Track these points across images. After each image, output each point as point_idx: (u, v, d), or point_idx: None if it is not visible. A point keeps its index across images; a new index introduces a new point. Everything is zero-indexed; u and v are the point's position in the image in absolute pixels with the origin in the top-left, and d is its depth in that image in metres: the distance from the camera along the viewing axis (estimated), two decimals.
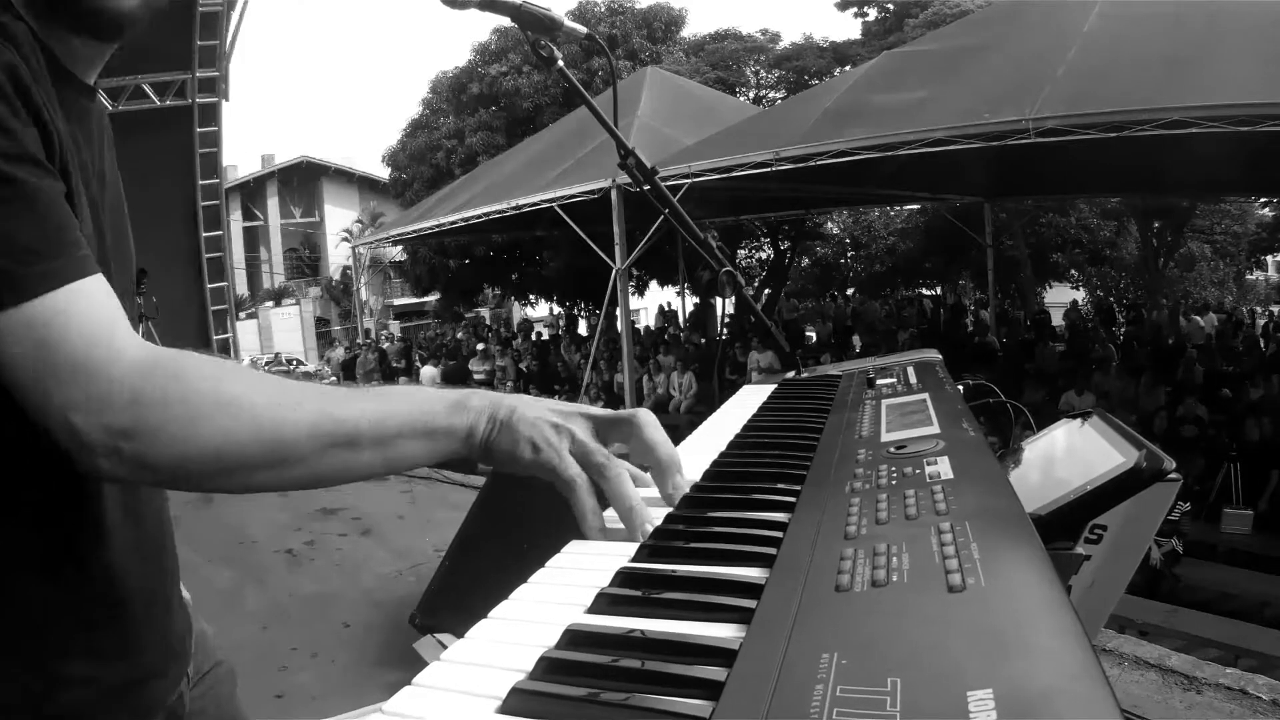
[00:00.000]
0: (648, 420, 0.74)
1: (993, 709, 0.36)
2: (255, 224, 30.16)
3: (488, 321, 21.62)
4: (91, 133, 0.80)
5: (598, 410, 0.75)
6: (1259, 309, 20.20)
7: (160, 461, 0.63)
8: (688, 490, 0.76)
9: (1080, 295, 19.51)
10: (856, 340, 12.98)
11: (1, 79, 0.63)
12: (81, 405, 0.61)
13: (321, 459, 0.66)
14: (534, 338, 16.54)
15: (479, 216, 11.44)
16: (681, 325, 16.09)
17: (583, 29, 1.39)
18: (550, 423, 0.71)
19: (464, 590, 3.10)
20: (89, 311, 0.63)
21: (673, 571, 0.60)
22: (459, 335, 18.13)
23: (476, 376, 14.30)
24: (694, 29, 22.44)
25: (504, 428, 0.70)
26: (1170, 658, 3.02)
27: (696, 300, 17.84)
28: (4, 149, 0.62)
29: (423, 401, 0.71)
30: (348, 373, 16.72)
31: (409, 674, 0.48)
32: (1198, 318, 13.91)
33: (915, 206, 18.48)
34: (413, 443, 0.69)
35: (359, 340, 18.02)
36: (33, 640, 0.74)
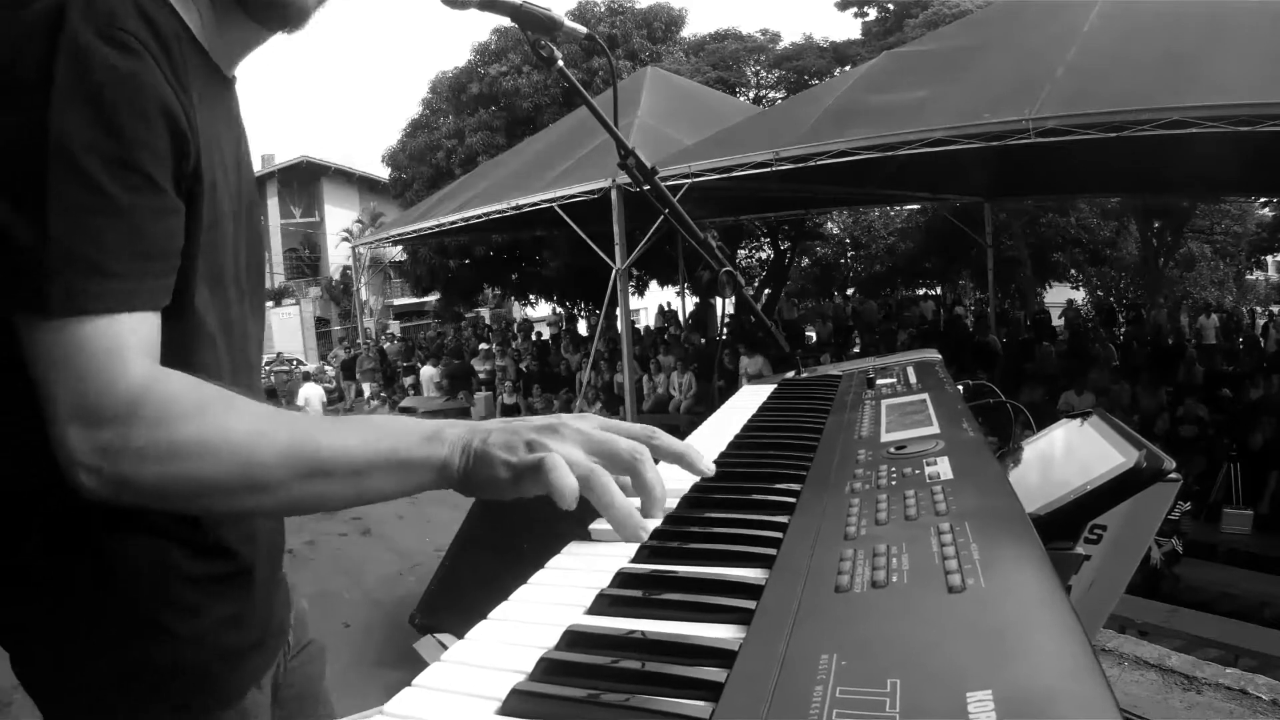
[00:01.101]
0: (646, 462, 0.70)
1: (992, 710, 0.36)
2: None
3: (488, 321, 21.61)
4: (232, 124, 0.87)
5: (580, 424, 0.71)
6: (1259, 309, 20.19)
7: (141, 482, 0.66)
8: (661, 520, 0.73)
9: (1080, 295, 19.51)
10: (856, 340, 12.98)
11: (130, 86, 0.67)
12: (78, 420, 0.64)
13: (295, 488, 0.68)
14: (534, 338, 16.55)
15: (479, 216, 11.43)
16: (681, 325, 16.09)
17: (583, 29, 1.38)
18: (527, 437, 0.69)
19: (464, 590, 3.10)
20: (118, 339, 0.66)
21: (672, 572, 0.60)
22: (453, 336, 18.14)
23: (480, 375, 14.35)
24: (694, 29, 22.43)
25: (478, 456, 0.69)
26: (1170, 658, 3.02)
27: (696, 300, 17.84)
28: (108, 153, 0.65)
29: (398, 433, 0.71)
30: (347, 373, 16.74)
31: (409, 674, 0.48)
32: (1204, 318, 13.90)
33: (915, 206, 18.48)
34: (386, 475, 0.70)
35: (359, 340, 18.02)
36: (158, 604, 0.79)
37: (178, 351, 0.75)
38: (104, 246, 0.66)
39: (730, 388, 10.02)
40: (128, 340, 0.67)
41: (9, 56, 0.66)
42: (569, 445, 0.68)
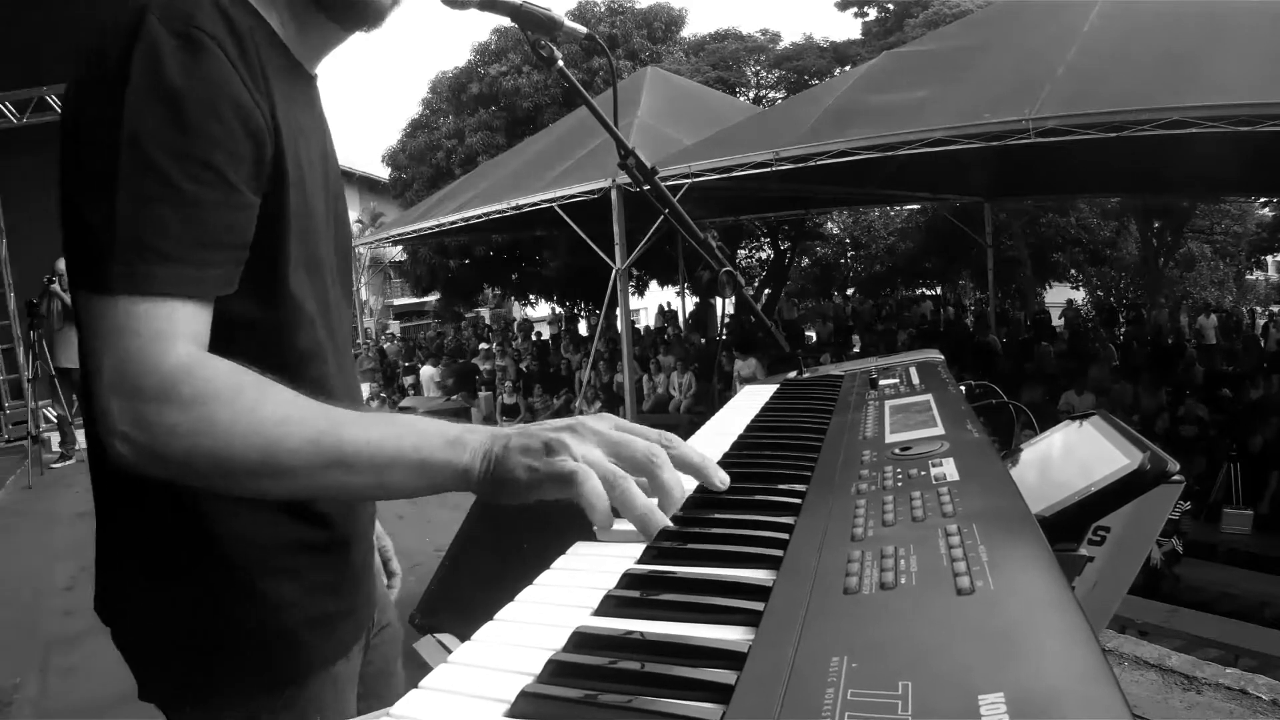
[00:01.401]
0: (662, 461, 0.70)
1: (1005, 712, 0.36)
2: None
3: (488, 321, 21.61)
4: (316, 119, 0.91)
5: (600, 425, 0.71)
6: (1259, 309, 20.20)
7: (170, 456, 0.68)
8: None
9: (1080, 295, 19.53)
10: (856, 340, 12.99)
11: (202, 84, 0.71)
12: (119, 393, 0.68)
13: (318, 476, 0.70)
14: (534, 338, 16.55)
15: (479, 216, 11.42)
16: (681, 325, 16.08)
17: (583, 29, 1.38)
18: (546, 438, 0.69)
19: (464, 590, 3.09)
20: (169, 322, 0.70)
21: (679, 574, 0.59)
22: (453, 336, 18.13)
23: (480, 374, 14.37)
24: (694, 29, 22.46)
25: (498, 461, 0.69)
26: (1170, 658, 3.01)
27: (696, 300, 17.84)
28: (177, 147, 0.70)
29: (422, 433, 0.72)
30: None
31: (408, 674, 0.48)
32: (1203, 318, 13.92)
33: (915, 206, 18.49)
34: (406, 473, 0.71)
35: (359, 340, 18.01)
36: (256, 568, 0.83)
37: (279, 335, 0.82)
38: (167, 235, 0.70)
39: (726, 391, 9.96)
40: (178, 325, 0.70)
41: (100, 52, 0.72)
42: (588, 445, 0.68)
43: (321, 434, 0.70)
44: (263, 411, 0.70)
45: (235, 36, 0.74)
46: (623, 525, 0.69)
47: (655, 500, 0.69)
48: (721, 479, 0.75)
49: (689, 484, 0.80)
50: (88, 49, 0.73)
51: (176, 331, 0.70)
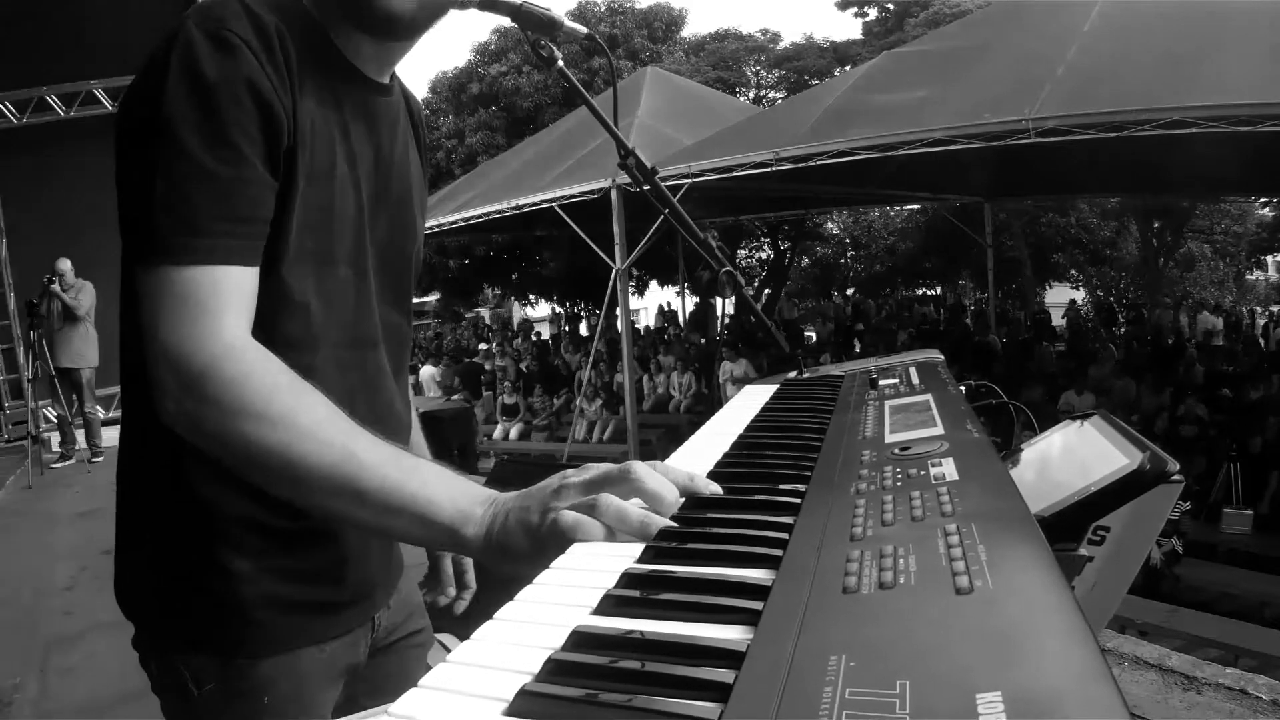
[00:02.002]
0: (643, 473, 0.71)
1: (1002, 711, 0.36)
2: None
3: (488, 321, 21.62)
4: (376, 123, 0.96)
5: (579, 476, 0.73)
6: (1259, 309, 20.21)
7: (205, 429, 0.74)
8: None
9: (1080, 295, 19.54)
10: (857, 343, 13.00)
11: (225, 74, 0.78)
12: (167, 357, 0.74)
13: (329, 498, 0.74)
14: (534, 338, 16.56)
15: (479, 216, 11.42)
16: (681, 325, 16.08)
17: (583, 29, 1.38)
18: (541, 506, 0.71)
19: None
20: (211, 289, 0.76)
21: (677, 573, 0.59)
22: (452, 336, 18.15)
23: (486, 369, 14.43)
24: (694, 29, 22.49)
25: (500, 534, 0.71)
26: (1170, 658, 3.02)
27: (696, 300, 17.84)
28: (204, 129, 0.77)
29: (437, 491, 0.74)
30: None
31: None
32: (1208, 314, 13.91)
33: (915, 206, 18.49)
34: (410, 523, 0.74)
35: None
36: (225, 544, 0.88)
37: (263, 314, 0.84)
38: (196, 209, 0.77)
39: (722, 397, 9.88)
40: (219, 291, 0.77)
41: (152, 55, 0.80)
42: (572, 497, 0.70)
43: (343, 460, 0.73)
44: (296, 419, 0.73)
45: (263, 37, 0.82)
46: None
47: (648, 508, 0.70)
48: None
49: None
50: (148, 53, 0.81)
51: (218, 299, 0.76)
